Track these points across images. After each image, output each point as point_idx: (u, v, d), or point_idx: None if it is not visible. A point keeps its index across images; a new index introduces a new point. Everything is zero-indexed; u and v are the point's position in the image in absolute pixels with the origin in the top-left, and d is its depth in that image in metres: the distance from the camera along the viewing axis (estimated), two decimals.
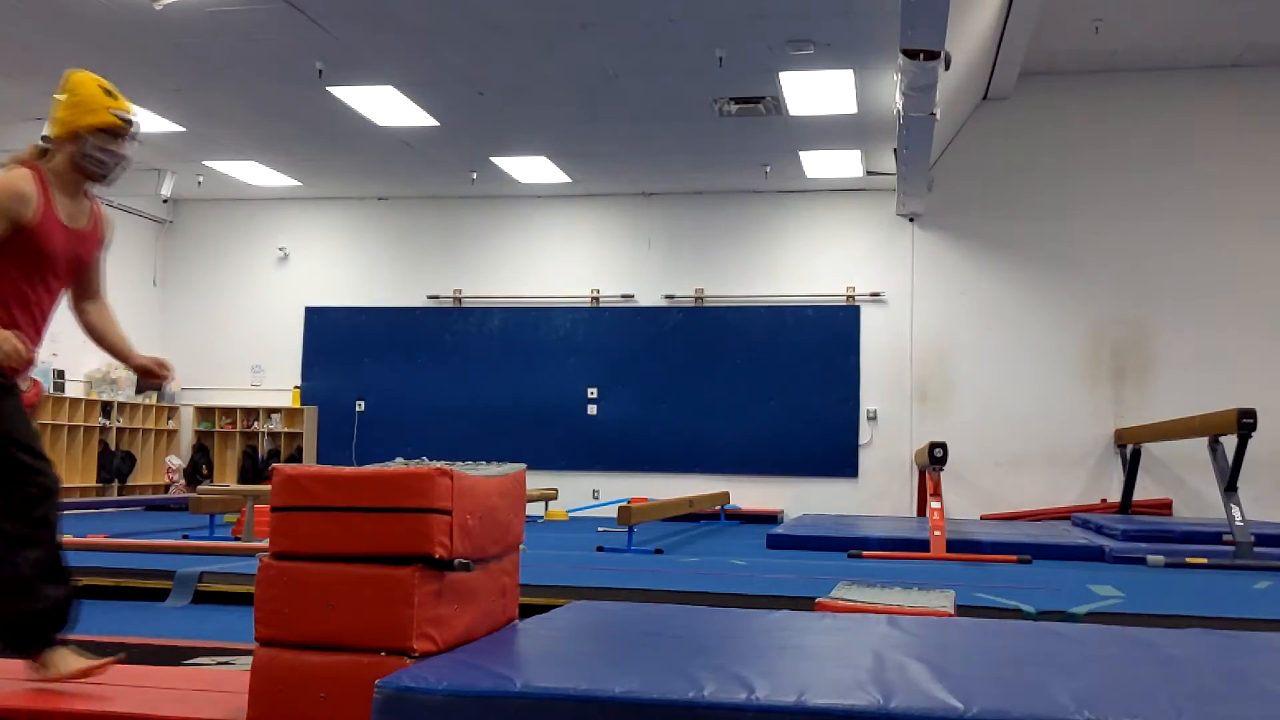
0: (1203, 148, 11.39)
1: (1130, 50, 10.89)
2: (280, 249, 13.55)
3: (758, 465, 12.19)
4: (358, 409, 13.05)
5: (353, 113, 10.09)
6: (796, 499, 12.06)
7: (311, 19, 8.05)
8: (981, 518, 11.13)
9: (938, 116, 8.37)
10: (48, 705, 2.74)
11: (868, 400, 12.11)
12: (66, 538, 6.82)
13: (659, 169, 11.96)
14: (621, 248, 12.90)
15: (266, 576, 2.62)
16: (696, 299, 12.64)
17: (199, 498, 8.69)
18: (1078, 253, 11.63)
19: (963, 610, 4.31)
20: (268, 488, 5.98)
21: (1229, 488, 7.55)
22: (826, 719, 2.09)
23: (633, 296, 12.78)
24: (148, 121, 10.52)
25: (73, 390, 12.14)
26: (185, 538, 8.02)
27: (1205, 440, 7.91)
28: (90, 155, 3.08)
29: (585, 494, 12.40)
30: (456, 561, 2.59)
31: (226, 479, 13.20)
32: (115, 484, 12.40)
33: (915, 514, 11.35)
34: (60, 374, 11.89)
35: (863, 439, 12.08)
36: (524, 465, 3.19)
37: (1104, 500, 11.33)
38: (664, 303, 12.73)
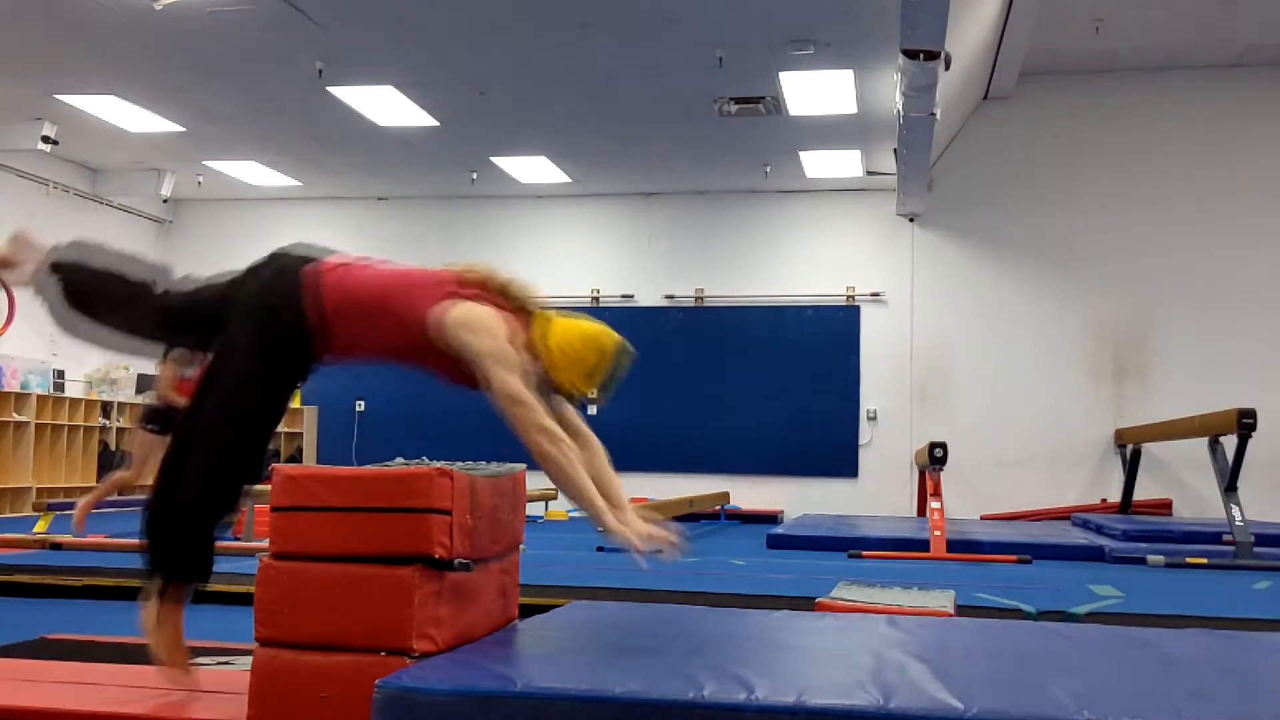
0: (1203, 148, 11.39)
1: (1131, 50, 10.89)
2: None
3: (758, 465, 12.19)
4: (358, 409, 13.06)
5: (353, 113, 10.09)
6: (796, 499, 12.05)
7: (311, 19, 8.05)
8: (981, 518, 11.13)
9: (938, 116, 8.38)
10: (48, 705, 2.74)
11: (868, 400, 12.11)
12: (66, 538, 6.84)
13: (659, 169, 11.96)
14: (621, 248, 12.90)
15: (266, 577, 2.61)
16: (696, 299, 12.64)
17: None
18: (1078, 252, 11.63)
19: (963, 610, 4.31)
20: (268, 488, 5.98)
21: (1229, 488, 7.55)
22: (826, 719, 2.09)
23: (633, 296, 12.78)
24: (148, 121, 10.53)
25: (73, 390, 12.13)
26: None
27: (1205, 440, 7.91)
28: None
29: None
30: (456, 562, 2.59)
31: None
32: None
33: (915, 514, 11.35)
34: (60, 374, 11.89)
35: (863, 439, 12.08)
36: (524, 465, 3.19)
37: (1104, 500, 11.33)
38: (664, 303, 12.73)
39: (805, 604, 4.26)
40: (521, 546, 3.19)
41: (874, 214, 12.27)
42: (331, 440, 13.00)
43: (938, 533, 7.64)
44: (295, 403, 13.12)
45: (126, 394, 12.73)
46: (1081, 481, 11.50)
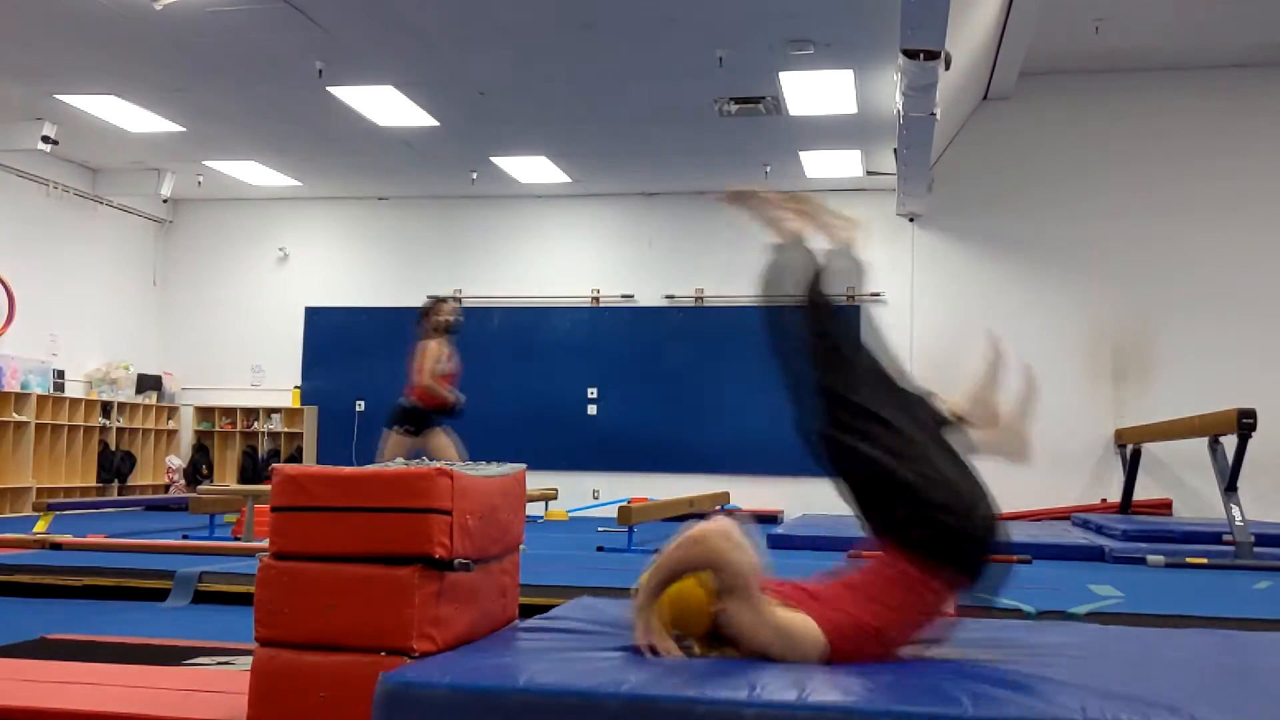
0: (1204, 148, 11.39)
1: (1131, 50, 10.89)
2: (280, 249, 13.55)
3: (758, 465, 12.19)
4: (358, 409, 13.05)
5: (353, 113, 10.09)
6: (796, 499, 12.05)
7: (311, 19, 8.05)
8: None
9: (938, 116, 8.37)
10: (48, 705, 2.74)
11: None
12: (66, 538, 6.84)
13: (659, 169, 11.96)
14: (621, 248, 12.90)
15: (266, 577, 2.61)
16: (696, 299, 12.64)
17: (199, 498, 8.70)
18: (1078, 252, 11.63)
19: (963, 610, 4.31)
20: (268, 488, 5.98)
21: (1229, 488, 7.55)
22: (826, 718, 2.09)
23: (633, 296, 12.78)
24: (148, 121, 10.53)
25: (73, 390, 12.14)
26: (185, 538, 8.01)
27: (1205, 440, 7.90)
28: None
29: (585, 494, 12.40)
30: (457, 562, 2.59)
31: (226, 479, 13.20)
32: (115, 484, 12.40)
33: None
34: (60, 374, 11.89)
35: None
36: (524, 465, 3.19)
37: (1104, 500, 11.32)
38: (664, 303, 12.73)
39: None
40: (521, 546, 3.19)
41: (874, 214, 12.25)
42: (331, 440, 13.00)
43: None
44: (295, 402, 13.13)
45: (126, 394, 12.73)
46: (1081, 481, 11.50)
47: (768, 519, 11.67)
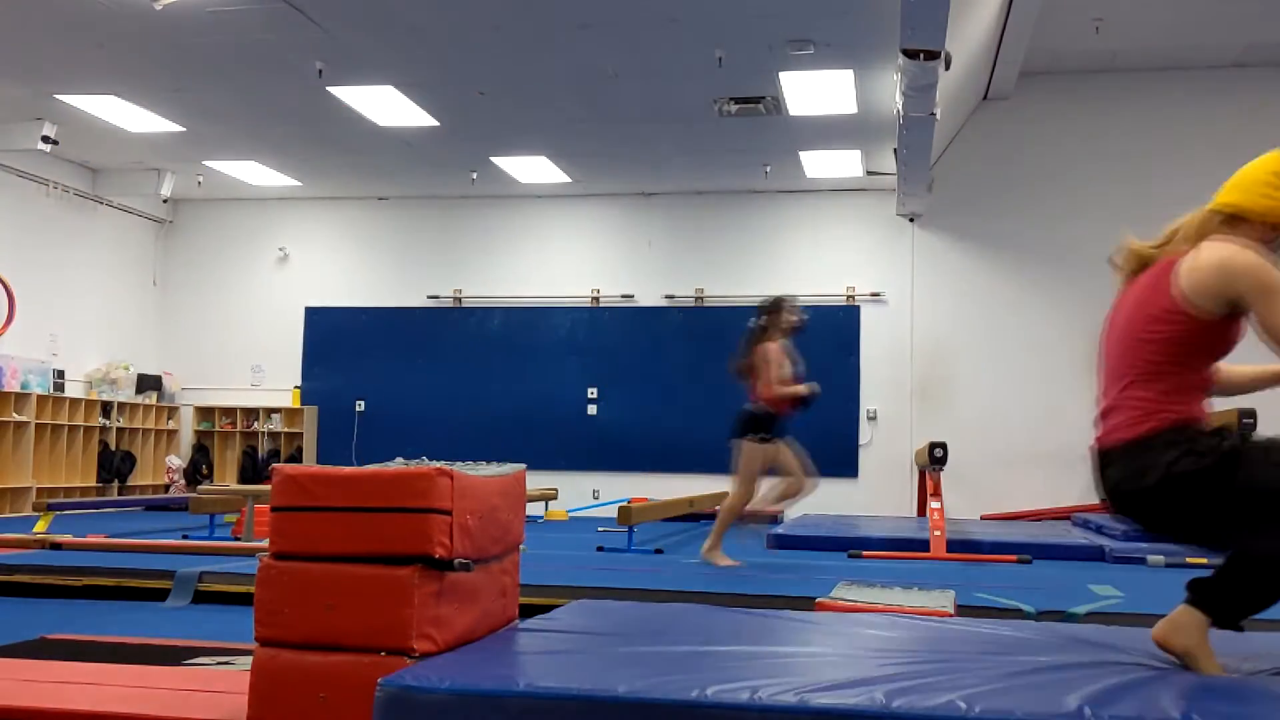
0: (1203, 148, 11.37)
1: (1130, 50, 10.89)
2: (280, 249, 13.55)
3: None
4: (358, 409, 13.06)
5: (353, 113, 10.09)
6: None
7: (311, 19, 8.05)
8: (981, 518, 11.13)
9: (938, 116, 8.38)
10: (48, 705, 2.74)
11: (868, 400, 12.11)
12: (66, 538, 6.84)
13: (659, 169, 11.96)
14: (621, 248, 12.90)
15: (266, 577, 2.61)
16: (696, 299, 12.64)
17: (199, 498, 8.70)
18: (1078, 252, 11.61)
19: (963, 610, 4.31)
20: (268, 488, 5.99)
21: None
22: (828, 719, 2.09)
23: (633, 296, 12.78)
24: (148, 121, 10.53)
25: (73, 390, 12.14)
26: (185, 538, 8.01)
27: None
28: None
29: (585, 494, 12.40)
30: (457, 562, 2.59)
31: (226, 479, 13.20)
32: (115, 484, 12.40)
33: (915, 514, 11.35)
34: (60, 374, 11.89)
35: (863, 439, 12.08)
36: (524, 465, 3.19)
37: (1104, 500, 11.31)
38: (664, 303, 12.73)
39: (805, 604, 4.26)
40: (521, 546, 3.19)
41: (874, 214, 12.27)
42: (331, 440, 13.00)
43: (938, 533, 7.64)
44: (295, 402, 13.13)
45: (126, 394, 12.73)
46: (1081, 481, 11.40)
47: (768, 519, 11.67)
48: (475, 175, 12.10)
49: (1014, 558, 7.36)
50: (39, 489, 11.07)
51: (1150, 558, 7.26)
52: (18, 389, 11.16)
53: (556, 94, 9.65)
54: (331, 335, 13.29)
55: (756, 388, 6.83)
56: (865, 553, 7.59)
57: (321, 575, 2.58)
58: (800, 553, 7.78)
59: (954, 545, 7.67)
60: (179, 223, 13.79)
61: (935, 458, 8.21)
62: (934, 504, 8.01)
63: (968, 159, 11.83)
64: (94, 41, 8.54)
